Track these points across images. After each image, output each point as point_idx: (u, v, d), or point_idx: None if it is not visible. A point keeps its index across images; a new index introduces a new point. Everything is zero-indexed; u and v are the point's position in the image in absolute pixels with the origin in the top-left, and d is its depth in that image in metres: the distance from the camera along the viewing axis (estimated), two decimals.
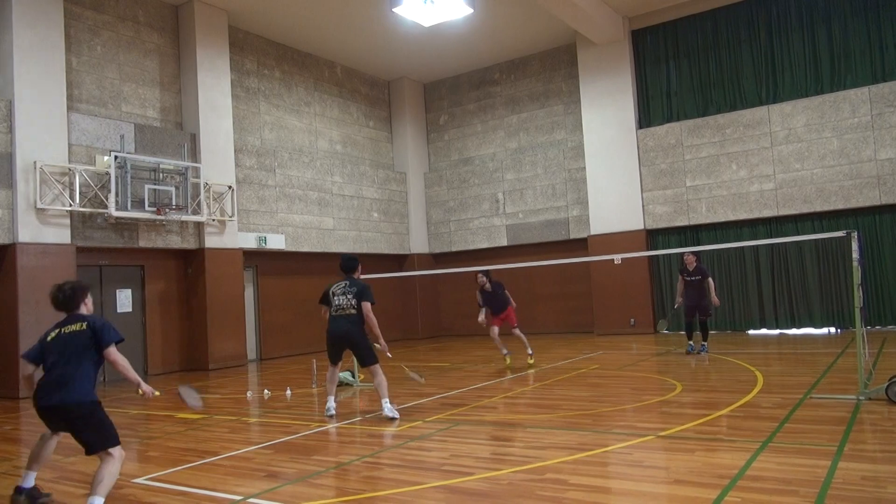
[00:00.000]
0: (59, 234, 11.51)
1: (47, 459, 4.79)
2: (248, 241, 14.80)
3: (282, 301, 16.00)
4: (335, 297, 7.30)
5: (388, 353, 7.54)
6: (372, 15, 15.11)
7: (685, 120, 15.63)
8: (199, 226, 13.73)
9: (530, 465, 4.93)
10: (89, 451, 4.37)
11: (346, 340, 7.22)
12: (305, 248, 16.18)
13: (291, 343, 15.89)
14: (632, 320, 15.78)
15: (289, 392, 9.42)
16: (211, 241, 13.83)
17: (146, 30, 13.62)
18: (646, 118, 16.32)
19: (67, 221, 11.66)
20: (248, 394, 9.90)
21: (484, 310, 11.36)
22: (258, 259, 15.55)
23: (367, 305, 7.23)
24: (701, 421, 6.08)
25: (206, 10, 14.17)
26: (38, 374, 4.55)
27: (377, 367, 7.22)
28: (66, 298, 4.59)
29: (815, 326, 14.22)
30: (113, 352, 4.47)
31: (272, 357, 15.44)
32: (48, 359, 4.45)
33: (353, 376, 9.79)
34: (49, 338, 4.51)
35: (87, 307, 4.67)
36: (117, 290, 13.08)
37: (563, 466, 4.87)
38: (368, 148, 18.90)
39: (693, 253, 11.17)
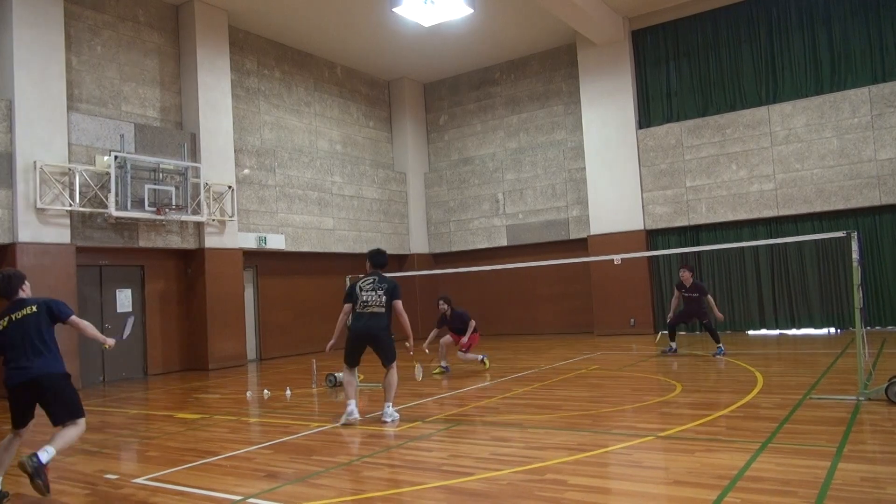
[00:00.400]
0: (59, 234, 11.51)
1: (9, 463, 5.05)
2: (248, 241, 14.80)
3: (282, 301, 16.00)
4: (363, 293, 6.85)
5: (412, 353, 7.28)
6: (372, 15, 15.11)
7: (685, 120, 15.63)
8: (199, 226, 13.74)
9: (530, 465, 4.93)
10: (57, 421, 4.90)
11: (371, 339, 6.85)
12: (305, 248, 16.18)
13: (291, 343, 15.89)
14: (632, 321, 15.78)
15: (288, 392, 9.42)
16: (211, 241, 13.83)
17: (146, 29, 13.62)
18: (646, 118, 16.32)
19: (67, 221, 11.66)
20: (248, 394, 9.90)
21: (436, 331, 11.20)
22: (258, 259, 15.56)
23: (399, 304, 6.88)
24: (701, 421, 6.08)
25: (207, 10, 14.17)
26: None
27: (395, 366, 6.96)
28: (5, 286, 5.01)
29: (815, 327, 14.22)
30: (75, 319, 5.19)
31: (272, 357, 15.44)
32: (8, 345, 4.88)
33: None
34: (1, 327, 4.91)
35: (24, 292, 5.10)
36: (117, 290, 13.08)
37: (563, 467, 4.87)
38: (368, 148, 18.90)
39: (689, 269, 11.22)
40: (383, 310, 6.79)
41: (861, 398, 6.52)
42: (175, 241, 13.39)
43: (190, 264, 13.93)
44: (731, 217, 14.93)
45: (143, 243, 12.81)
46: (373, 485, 4.68)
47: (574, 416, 6.78)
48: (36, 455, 4.65)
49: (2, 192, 10.96)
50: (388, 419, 6.72)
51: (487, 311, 18.71)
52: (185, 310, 13.97)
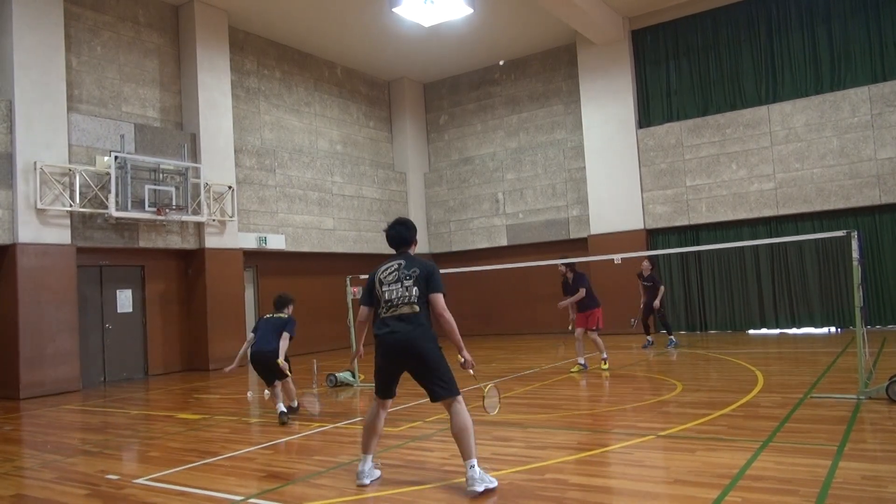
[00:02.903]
0: (60, 235, 11.51)
1: None
2: (249, 242, 14.80)
3: None
4: (385, 288, 4.66)
5: (472, 372, 4.77)
6: (372, 15, 15.11)
7: (685, 120, 15.63)
8: (199, 226, 13.74)
9: (531, 465, 4.93)
10: None
11: (411, 355, 4.54)
12: (305, 249, 16.18)
13: (292, 343, 15.83)
14: (632, 320, 15.74)
15: None
16: (211, 242, 13.83)
17: (146, 30, 13.62)
18: (646, 118, 16.32)
19: (68, 222, 11.66)
20: (249, 394, 9.89)
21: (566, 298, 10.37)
22: (258, 259, 15.55)
23: (438, 298, 4.60)
24: (701, 421, 6.08)
25: (207, 11, 14.17)
26: None
27: (461, 402, 4.54)
28: None
29: (816, 326, 14.22)
30: None
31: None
32: None
33: (354, 376, 9.79)
34: None
35: None
36: (117, 290, 13.09)
37: (564, 466, 4.87)
38: (368, 148, 18.90)
39: (649, 259, 12.77)
40: (417, 309, 4.56)
41: (861, 397, 6.52)
42: (175, 242, 13.39)
43: (190, 264, 13.93)
44: (731, 216, 14.93)
45: (143, 243, 12.82)
46: (373, 485, 4.68)
47: (574, 415, 6.78)
48: None
49: (2, 192, 10.96)
50: (479, 486, 4.26)
51: (487, 311, 18.73)
52: (186, 310, 13.97)
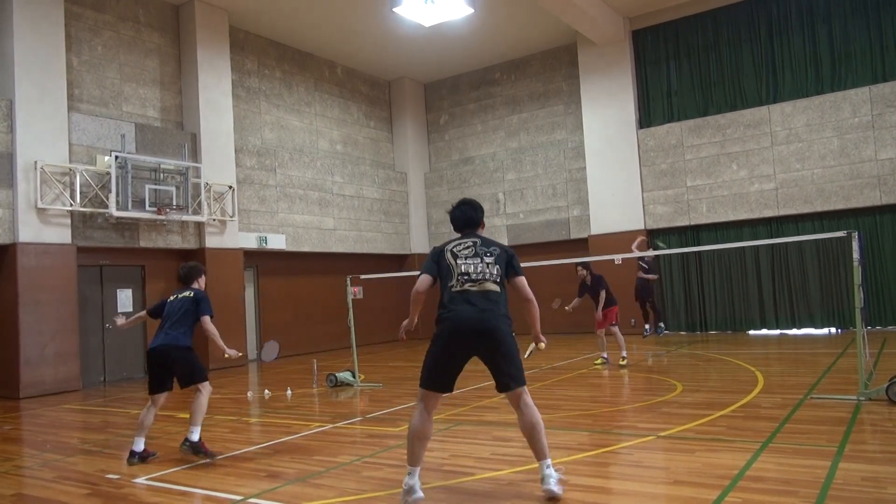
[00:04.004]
0: (60, 234, 11.51)
1: None
2: (249, 241, 14.80)
3: (282, 301, 16.01)
4: (459, 262, 4.22)
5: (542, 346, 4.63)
6: (372, 15, 15.11)
7: (686, 120, 15.63)
8: (199, 226, 13.74)
9: (530, 465, 4.93)
10: None
11: (487, 337, 4.09)
12: (306, 248, 16.19)
13: (292, 343, 15.88)
14: (632, 320, 15.75)
15: (289, 392, 9.42)
16: (211, 241, 13.83)
17: (147, 30, 13.62)
18: (646, 118, 16.32)
19: (68, 221, 11.66)
20: (249, 394, 9.91)
21: (578, 300, 10.85)
22: (258, 259, 15.56)
23: (523, 281, 4.35)
24: (701, 421, 6.07)
25: (207, 10, 14.17)
26: None
27: (529, 395, 4.18)
28: None
29: (816, 327, 14.22)
30: None
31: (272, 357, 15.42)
32: None
33: (354, 376, 9.79)
34: None
35: None
36: (118, 290, 13.09)
37: (563, 466, 4.86)
38: (369, 148, 18.90)
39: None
40: (498, 288, 4.19)
41: (862, 398, 6.52)
42: (176, 241, 13.39)
43: None
44: (731, 217, 14.93)
45: (143, 243, 12.82)
46: (373, 485, 4.68)
47: (574, 415, 6.77)
48: None
49: (2, 192, 10.97)
50: (555, 486, 4.02)
51: None
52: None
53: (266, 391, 9.76)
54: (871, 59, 13.92)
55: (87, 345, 12.31)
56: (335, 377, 9.76)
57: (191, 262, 6.33)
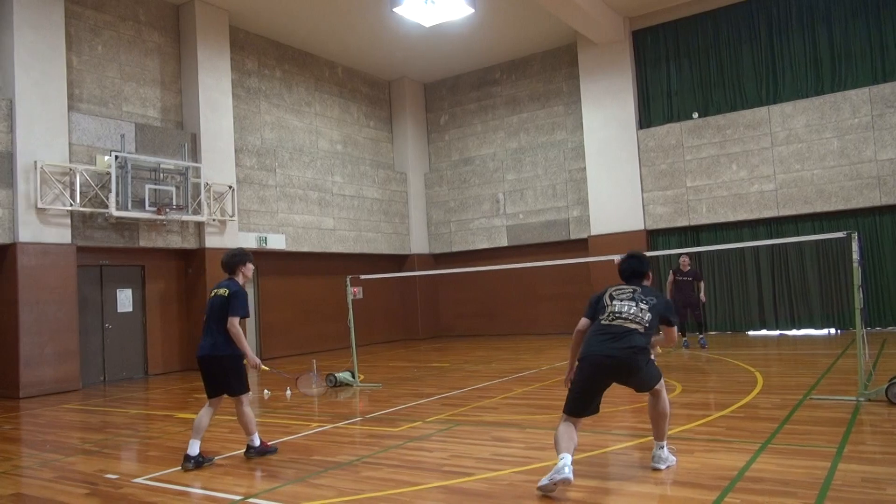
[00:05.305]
0: (60, 234, 11.51)
1: None
2: (249, 241, 14.80)
3: (282, 301, 16.01)
4: (616, 302, 4.63)
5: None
6: (372, 15, 15.11)
7: (686, 120, 15.63)
8: (199, 226, 13.74)
9: (530, 466, 4.94)
10: None
11: (625, 370, 4.41)
12: (306, 248, 16.19)
13: (291, 343, 15.90)
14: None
15: (289, 392, 9.42)
16: (211, 241, 13.83)
17: (147, 29, 13.63)
18: (646, 118, 16.32)
19: (68, 221, 11.66)
20: (248, 394, 9.89)
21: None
22: (258, 259, 15.47)
23: (673, 331, 4.76)
24: (700, 422, 6.08)
25: (207, 10, 14.17)
26: None
27: (663, 386, 4.65)
28: None
29: (815, 327, 14.22)
30: None
31: (272, 357, 15.43)
32: None
33: (353, 376, 9.80)
34: None
35: None
36: (117, 290, 13.09)
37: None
38: (369, 148, 18.90)
39: (688, 255, 12.35)
40: (643, 329, 4.49)
41: (861, 399, 6.52)
42: (175, 241, 13.39)
43: (190, 264, 13.93)
44: (731, 217, 14.93)
45: (143, 243, 12.82)
46: (373, 485, 4.68)
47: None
48: None
49: (2, 191, 10.97)
50: (662, 465, 4.64)
51: (488, 311, 18.73)
52: (186, 310, 13.97)
53: (266, 391, 9.76)
54: (871, 59, 13.92)
55: (87, 345, 12.31)
56: (335, 377, 9.76)
57: (235, 248, 5.77)
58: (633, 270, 4.83)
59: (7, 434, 7.72)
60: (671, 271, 12.65)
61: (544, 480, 4.15)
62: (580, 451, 5.26)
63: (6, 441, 7.28)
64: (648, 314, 4.50)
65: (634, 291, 4.65)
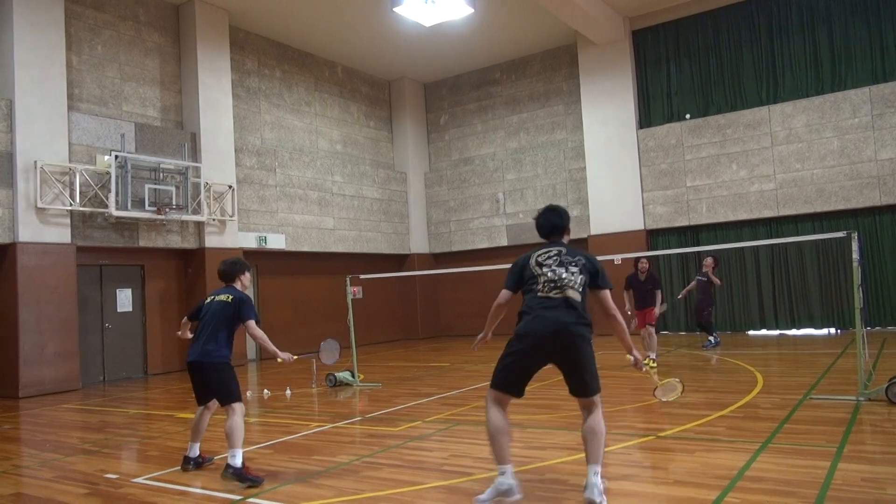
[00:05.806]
0: (60, 234, 11.51)
1: None
2: (249, 241, 14.80)
3: (282, 301, 16.00)
4: (545, 269, 4.17)
5: (644, 370, 4.89)
6: (372, 15, 15.11)
7: (685, 120, 15.63)
8: (199, 225, 13.73)
9: (530, 465, 4.94)
10: None
11: (564, 346, 4.02)
12: (306, 248, 16.18)
13: (291, 343, 15.73)
14: (633, 321, 15.77)
15: (288, 392, 9.43)
16: (211, 241, 13.82)
17: (147, 29, 13.62)
18: (646, 118, 16.32)
19: (68, 221, 11.66)
20: (248, 393, 9.90)
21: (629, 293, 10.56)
22: (258, 259, 15.55)
23: (608, 295, 4.21)
24: (701, 422, 6.08)
25: (207, 10, 14.17)
26: None
27: (599, 400, 4.20)
28: None
29: (815, 327, 14.22)
30: None
31: (272, 357, 15.43)
32: None
33: (353, 376, 9.79)
34: None
35: None
36: (117, 290, 13.09)
37: (563, 466, 4.87)
38: (369, 148, 18.90)
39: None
40: (580, 297, 4.09)
41: (861, 398, 6.52)
42: (175, 241, 13.39)
43: (190, 264, 13.93)
44: (731, 217, 14.93)
45: (143, 243, 12.81)
46: (373, 484, 4.68)
47: (574, 416, 6.74)
48: None
49: (2, 191, 10.96)
50: (597, 496, 3.89)
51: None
52: (186, 309, 13.86)
53: (265, 391, 9.76)
54: (871, 59, 13.92)
55: (87, 344, 12.31)
56: (335, 377, 9.77)
57: (232, 257, 5.66)
58: (553, 226, 4.38)
59: (7, 434, 7.72)
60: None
61: (484, 496, 3.90)
62: (580, 451, 5.25)
63: (6, 441, 7.28)
64: (580, 277, 4.11)
65: (560, 253, 4.20)
